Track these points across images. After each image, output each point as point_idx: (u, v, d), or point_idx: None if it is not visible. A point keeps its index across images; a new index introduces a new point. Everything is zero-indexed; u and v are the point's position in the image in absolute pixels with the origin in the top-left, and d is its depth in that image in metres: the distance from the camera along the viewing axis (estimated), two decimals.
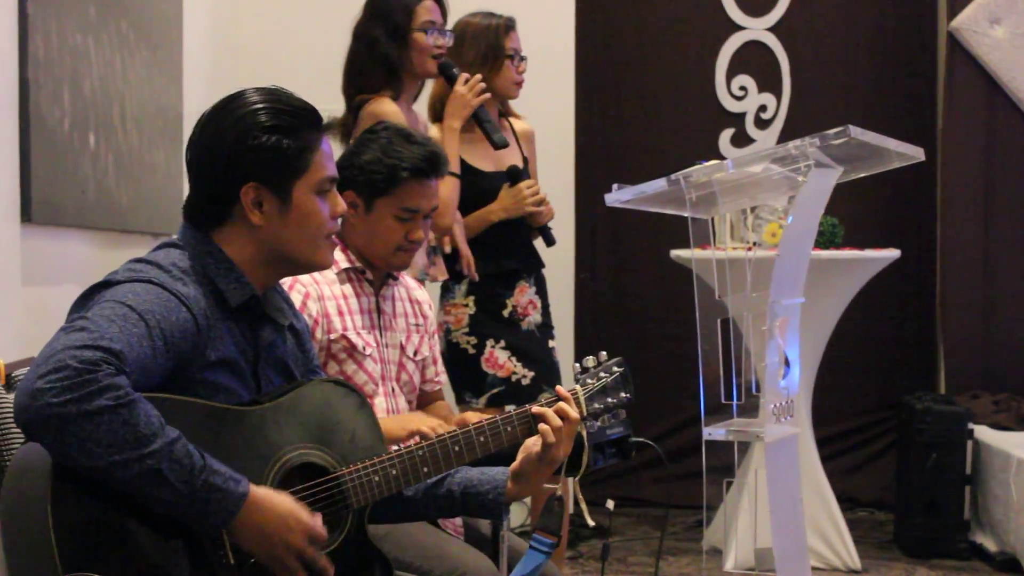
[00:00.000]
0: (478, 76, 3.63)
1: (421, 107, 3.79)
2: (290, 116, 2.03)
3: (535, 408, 2.20)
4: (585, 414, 2.25)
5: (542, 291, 3.91)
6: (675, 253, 4.54)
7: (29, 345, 2.27)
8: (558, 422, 2.18)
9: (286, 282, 2.62)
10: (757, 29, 5.89)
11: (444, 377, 3.03)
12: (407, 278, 2.96)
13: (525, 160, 3.94)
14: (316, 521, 1.95)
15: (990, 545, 4.74)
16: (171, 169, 3.77)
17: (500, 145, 3.63)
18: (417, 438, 2.71)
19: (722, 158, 4.36)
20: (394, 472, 2.09)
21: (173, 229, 2.10)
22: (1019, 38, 5.54)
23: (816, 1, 5.91)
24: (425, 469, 2.13)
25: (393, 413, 2.77)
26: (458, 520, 2.75)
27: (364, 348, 2.74)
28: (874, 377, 5.93)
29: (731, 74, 5.88)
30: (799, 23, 5.89)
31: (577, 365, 2.29)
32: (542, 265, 3.94)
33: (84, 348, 1.75)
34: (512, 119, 4.00)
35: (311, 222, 2.06)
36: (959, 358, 5.65)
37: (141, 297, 1.87)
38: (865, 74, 5.93)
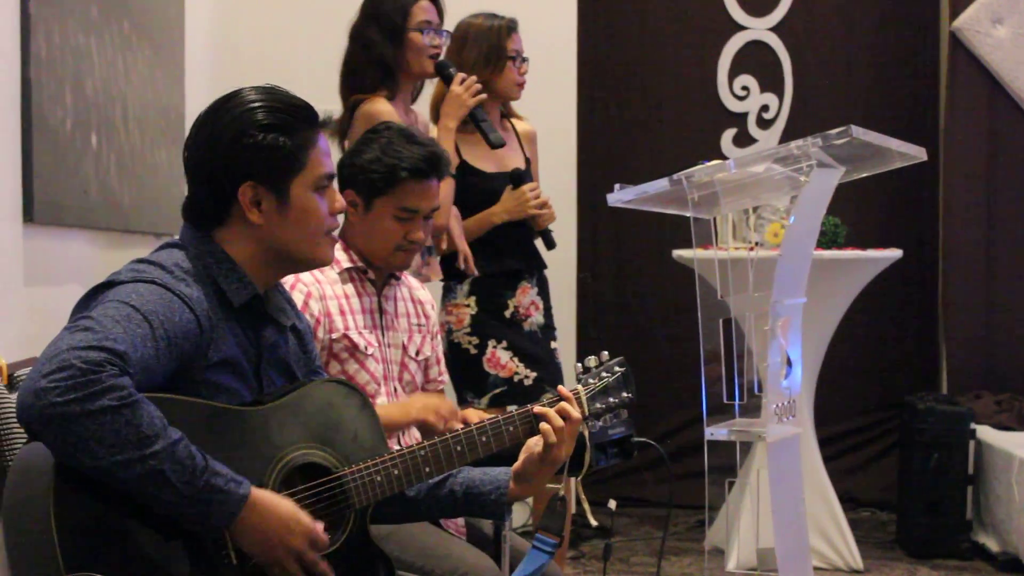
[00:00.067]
0: (473, 76, 3.63)
1: (423, 107, 3.79)
2: (286, 114, 2.03)
3: (537, 408, 2.20)
4: (587, 414, 2.25)
5: (544, 292, 3.91)
6: (677, 253, 4.54)
7: (31, 345, 2.27)
8: (560, 422, 2.18)
9: (288, 281, 2.62)
10: (759, 29, 5.89)
11: (446, 377, 3.03)
12: (409, 278, 2.96)
13: (527, 161, 3.94)
14: (317, 525, 1.95)
15: (992, 545, 4.74)
16: (173, 169, 3.77)
17: (496, 145, 3.63)
18: (419, 437, 2.72)
19: (724, 158, 4.36)
20: (396, 472, 2.09)
21: (175, 229, 2.10)
22: (1021, 38, 5.53)
23: (818, 1, 5.91)
24: (427, 469, 2.13)
25: None
26: (460, 520, 2.75)
27: (366, 348, 2.74)
28: (876, 377, 5.93)
29: (733, 74, 5.88)
30: (801, 23, 5.89)
31: (579, 365, 2.29)
32: (544, 266, 3.93)
33: (88, 348, 1.75)
34: (514, 120, 4.00)
35: (310, 219, 2.06)
36: (961, 358, 5.65)
37: (145, 298, 1.87)
38: (867, 74, 5.93)
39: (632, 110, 5.94)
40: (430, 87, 3.79)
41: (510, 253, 3.83)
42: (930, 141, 5.45)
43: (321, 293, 2.72)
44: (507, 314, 3.80)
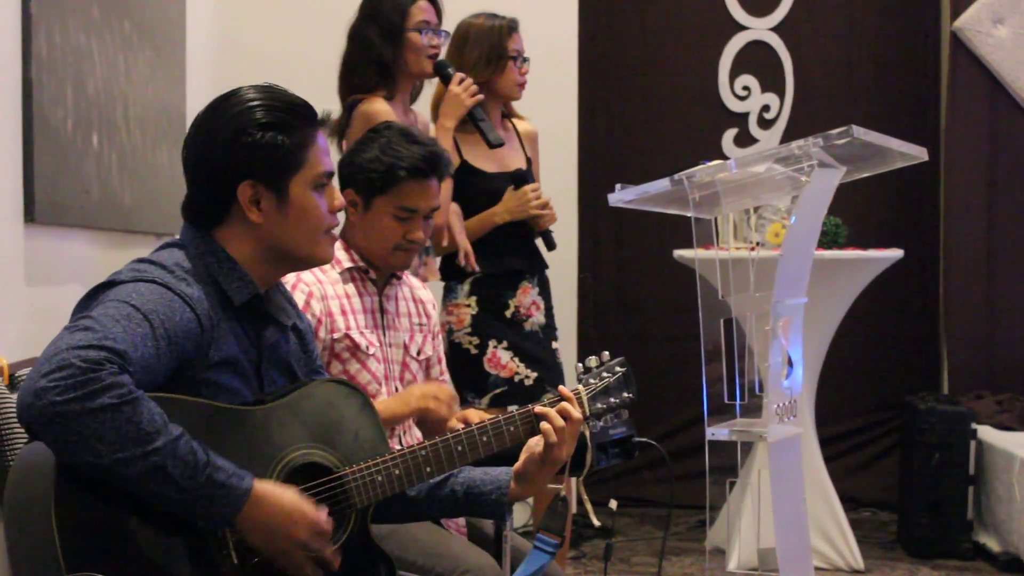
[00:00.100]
0: (470, 78, 3.64)
1: (424, 108, 3.79)
2: (285, 112, 2.03)
3: (538, 408, 2.20)
4: (588, 414, 2.25)
5: (545, 292, 3.91)
6: (678, 253, 4.54)
7: (32, 345, 2.27)
8: (561, 422, 2.18)
9: (289, 281, 2.62)
10: (760, 29, 5.89)
11: (447, 376, 3.03)
12: (410, 278, 2.96)
13: (528, 161, 3.94)
14: (321, 514, 1.95)
15: (993, 545, 4.74)
16: (174, 169, 3.75)
17: (495, 144, 3.64)
18: (420, 437, 2.72)
19: (725, 158, 4.36)
20: (397, 472, 2.09)
21: (176, 229, 2.10)
22: (1022, 38, 5.53)
23: (819, 1, 5.91)
24: (428, 469, 2.13)
25: None
26: (461, 520, 2.75)
27: (367, 348, 2.74)
28: (877, 377, 5.93)
29: (734, 74, 5.88)
30: (802, 23, 5.89)
31: (580, 365, 2.29)
32: (546, 266, 3.93)
33: (88, 347, 1.75)
34: (515, 120, 4.00)
35: (309, 217, 2.06)
36: (962, 358, 5.65)
37: (145, 297, 1.87)
38: (868, 74, 5.93)
39: (633, 110, 5.94)
40: (431, 88, 3.79)
41: (511, 253, 3.83)
42: (931, 141, 5.45)
43: (323, 293, 2.72)
44: (508, 314, 3.80)
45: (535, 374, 3.77)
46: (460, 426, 2.22)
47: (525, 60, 3.88)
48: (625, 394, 2.28)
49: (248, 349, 2.04)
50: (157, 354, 1.84)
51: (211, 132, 2.03)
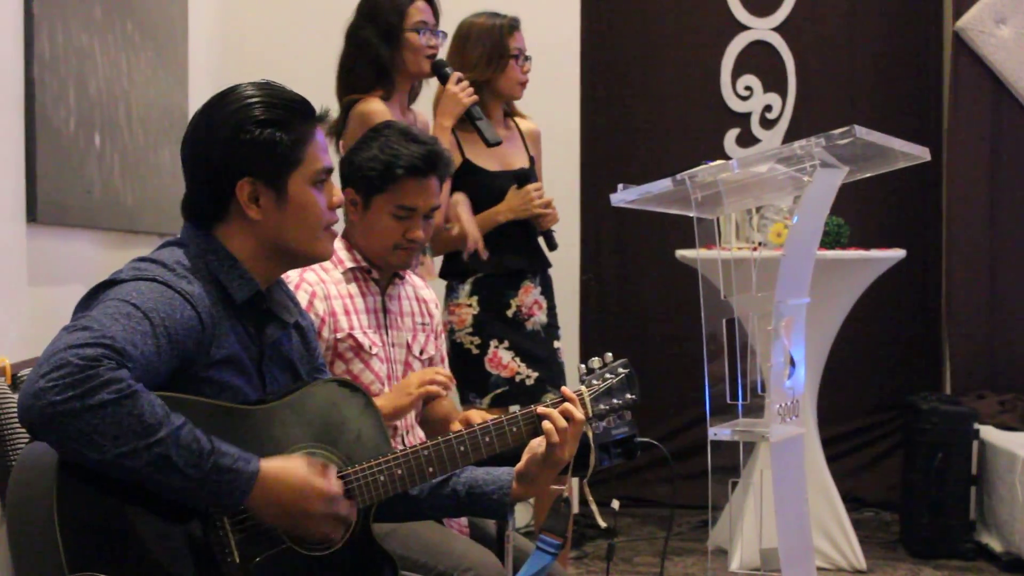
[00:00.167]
0: (468, 78, 3.64)
1: (425, 108, 3.79)
2: (283, 109, 2.03)
3: (540, 408, 2.20)
4: (590, 415, 2.25)
5: (548, 291, 3.91)
6: (680, 253, 4.54)
7: (35, 345, 2.27)
8: (563, 423, 2.18)
9: (293, 281, 2.62)
10: (762, 29, 5.89)
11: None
12: (413, 277, 2.96)
13: (531, 160, 3.94)
14: (330, 480, 1.95)
15: (996, 546, 4.74)
16: (177, 169, 3.74)
17: (492, 143, 3.64)
18: (423, 437, 2.72)
19: (727, 158, 4.36)
20: (400, 472, 2.09)
21: (178, 229, 2.10)
22: None
23: (821, 1, 5.91)
24: (431, 469, 2.13)
25: None
26: (463, 520, 2.75)
27: (371, 347, 2.74)
28: (879, 377, 5.93)
29: (736, 74, 5.88)
30: (804, 23, 5.89)
31: (583, 366, 2.29)
32: (548, 265, 3.93)
33: (85, 345, 1.75)
34: (518, 119, 4.00)
35: (308, 214, 2.05)
36: (965, 358, 5.65)
37: (145, 295, 1.87)
38: (870, 74, 5.93)
39: (635, 110, 5.94)
40: (432, 88, 3.78)
41: (513, 252, 3.83)
42: (933, 141, 5.46)
43: (326, 292, 2.72)
44: (509, 313, 3.80)
45: (536, 374, 3.77)
46: (463, 428, 2.22)
47: (527, 58, 3.88)
48: (628, 395, 2.28)
49: (249, 347, 2.04)
50: (158, 352, 1.84)
51: (209, 129, 2.03)
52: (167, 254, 2.00)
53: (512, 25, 3.86)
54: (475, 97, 3.63)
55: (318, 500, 1.92)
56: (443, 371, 2.75)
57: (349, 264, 2.78)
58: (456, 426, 2.55)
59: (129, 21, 3.57)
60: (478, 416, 2.48)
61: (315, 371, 2.21)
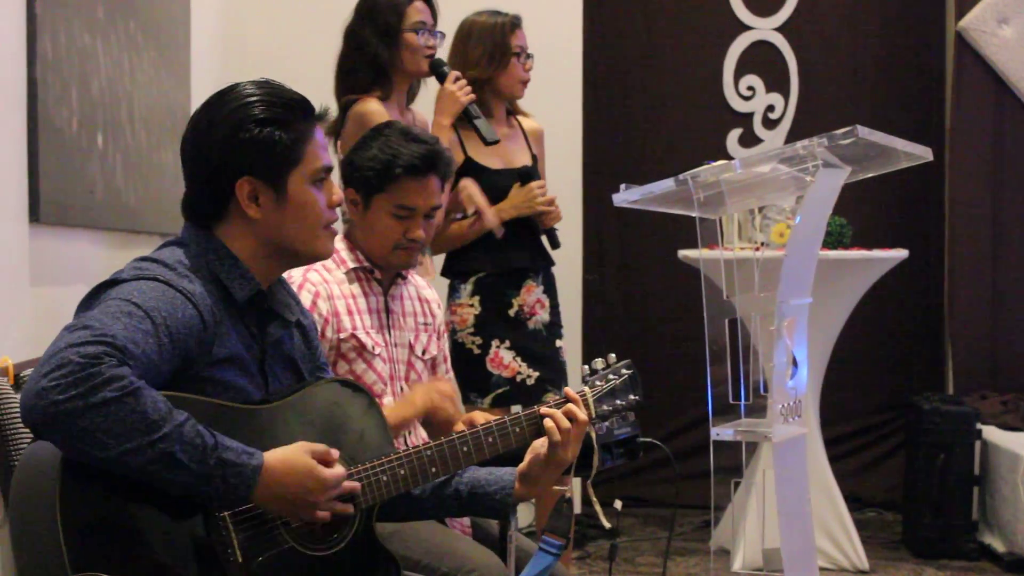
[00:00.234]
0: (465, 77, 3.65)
1: (426, 108, 3.79)
2: (282, 108, 2.03)
3: (543, 409, 2.20)
4: (593, 416, 2.25)
5: (551, 290, 3.91)
6: (683, 253, 4.54)
7: (37, 345, 2.27)
8: (566, 424, 2.18)
9: (296, 281, 2.62)
10: (765, 29, 5.89)
11: (452, 375, 3.03)
12: (416, 277, 2.96)
13: (534, 158, 3.93)
14: (333, 467, 1.95)
15: (998, 546, 4.74)
16: (179, 169, 3.75)
17: (490, 141, 3.64)
18: (426, 437, 2.72)
19: (730, 158, 4.35)
20: (402, 472, 2.09)
21: (180, 229, 2.10)
22: None
23: (823, 1, 5.91)
24: (433, 469, 2.13)
25: None
26: (466, 520, 2.75)
27: (373, 348, 2.74)
28: (882, 377, 5.93)
29: (739, 74, 5.88)
30: (807, 23, 5.89)
31: (586, 367, 2.29)
32: (551, 263, 3.93)
33: (86, 344, 1.75)
34: (520, 117, 4.00)
35: (308, 212, 2.05)
36: (967, 358, 5.65)
37: (147, 295, 1.87)
38: (873, 74, 5.93)
39: (637, 110, 5.94)
40: (431, 89, 3.78)
41: (515, 250, 3.83)
42: (936, 141, 5.46)
43: (329, 293, 2.72)
44: (511, 313, 3.79)
45: (536, 373, 3.77)
46: (466, 428, 2.22)
47: (529, 56, 3.88)
48: (632, 396, 2.28)
49: (252, 346, 2.04)
50: (159, 350, 1.84)
51: (209, 128, 2.03)
52: (168, 254, 2.00)
53: (514, 23, 3.86)
54: (473, 96, 3.63)
55: (321, 489, 1.93)
56: (448, 384, 2.76)
57: (352, 264, 2.78)
58: (459, 427, 2.55)
59: (132, 21, 3.57)
60: (481, 417, 2.48)
61: (317, 370, 2.21)
